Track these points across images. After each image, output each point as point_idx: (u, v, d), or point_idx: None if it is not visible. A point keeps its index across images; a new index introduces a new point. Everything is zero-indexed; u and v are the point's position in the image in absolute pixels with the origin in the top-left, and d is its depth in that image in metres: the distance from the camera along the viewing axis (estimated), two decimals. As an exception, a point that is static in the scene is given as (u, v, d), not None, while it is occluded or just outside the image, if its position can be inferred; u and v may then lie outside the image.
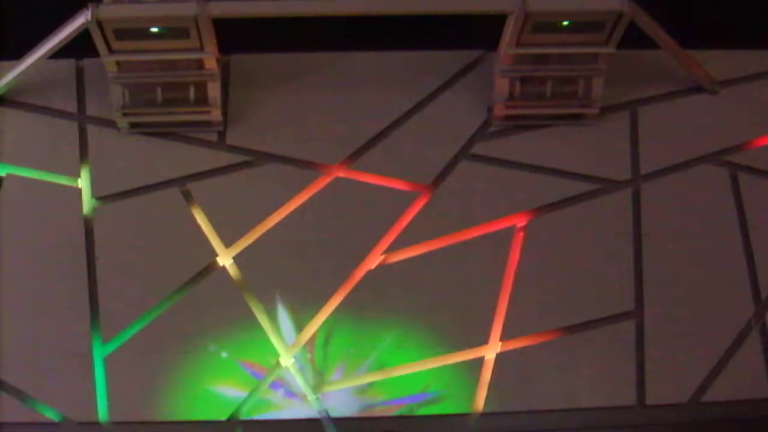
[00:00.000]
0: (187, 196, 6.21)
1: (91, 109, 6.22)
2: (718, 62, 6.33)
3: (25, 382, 6.05)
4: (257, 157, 6.25)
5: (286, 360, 6.11)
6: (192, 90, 6.01)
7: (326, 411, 6.07)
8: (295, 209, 6.24)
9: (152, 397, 6.09)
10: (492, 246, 6.26)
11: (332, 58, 6.40)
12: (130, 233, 6.18)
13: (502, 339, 6.17)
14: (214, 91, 6.01)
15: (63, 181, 6.16)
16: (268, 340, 6.11)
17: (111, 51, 5.83)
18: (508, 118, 6.30)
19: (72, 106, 6.22)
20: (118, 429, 6.05)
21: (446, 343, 6.17)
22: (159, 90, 6.00)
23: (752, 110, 6.39)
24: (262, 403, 6.07)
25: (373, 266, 6.22)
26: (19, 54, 6.05)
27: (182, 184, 6.21)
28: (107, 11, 5.63)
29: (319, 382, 6.09)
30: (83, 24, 5.62)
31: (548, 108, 6.26)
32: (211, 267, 6.17)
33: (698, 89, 6.35)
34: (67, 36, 5.75)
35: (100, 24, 5.63)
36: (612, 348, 6.19)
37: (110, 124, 6.15)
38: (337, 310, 6.14)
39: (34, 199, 6.18)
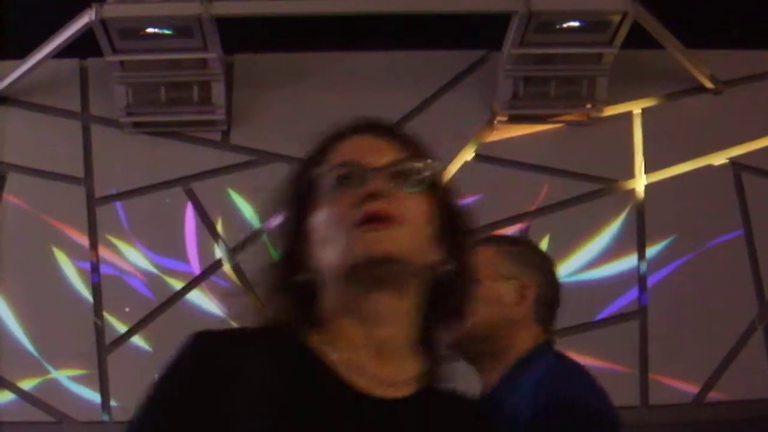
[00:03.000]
0: (190, 195, 6.21)
1: (95, 109, 6.21)
2: (722, 62, 6.32)
3: (25, 381, 6.06)
4: (261, 157, 6.25)
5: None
6: (196, 89, 5.99)
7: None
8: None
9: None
10: (495, 246, 6.25)
11: (335, 58, 6.38)
12: (133, 232, 6.18)
13: (505, 339, 6.16)
14: (217, 90, 6.00)
15: (67, 180, 6.16)
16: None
17: (114, 50, 5.82)
18: (511, 118, 6.29)
19: (75, 106, 6.20)
20: (118, 429, 6.04)
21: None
22: (163, 89, 5.98)
23: (757, 110, 6.38)
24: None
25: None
26: (21, 53, 6.03)
27: (185, 183, 6.21)
28: (111, 11, 5.62)
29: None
30: (87, 23, 5.62)
31: (552, 108, 6.25)
32: (214, 267, 6.18)
33: (702, 89, 6.34)
34: (72, 35, 5.74)
35: (104, 23, 5.63)
36: (615, 348, 6.18)
37: (114, 123, 6.14)
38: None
39: (37, 198, 6.18)
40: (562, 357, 2.36)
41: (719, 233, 6.30)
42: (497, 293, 2.22)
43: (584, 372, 2.30)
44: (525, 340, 2.25)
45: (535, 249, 2.44)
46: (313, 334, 1.67)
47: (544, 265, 2.33)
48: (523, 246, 2.43)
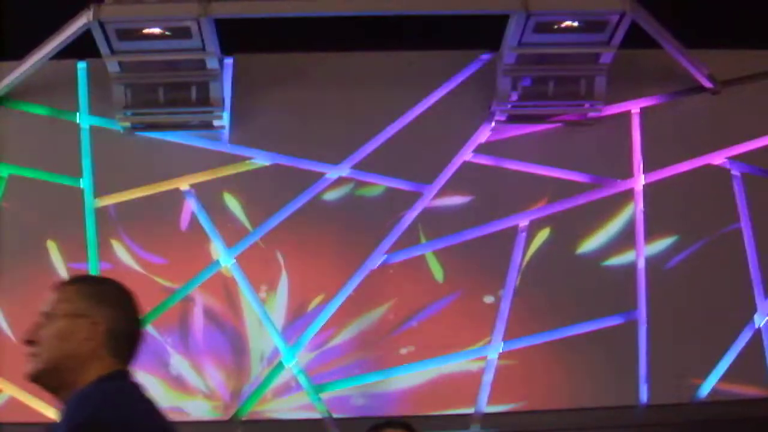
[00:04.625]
0: (189, 196, 6.20)
1: (93, 110, 6.20)
2: (721, 62, 6.32)
3: (25, 381, 6.03)
4: (259, 157, 6.24)
5: (290, 361, 6.10)
6: (194, 90, 5.99)
7: (329, 412, 6.06)
8: (298, 209, 6.23)
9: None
10: (494, 246, 6.25)
11: (334, 58, 6.38)
12: (130, 233, 6.17)
13: (504, 338, 6.17)
14: (216, 91, 5.99)
15: (65, 181, 6.16)
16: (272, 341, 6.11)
17: (113, 51, 5.82)
18: (510, 118, 6.29)
19: (74, 107, 6.21)
20: (119, 429, 6.03)
21: (449, 342, 6.17)
22: (161, 90, 5.98)
23: (756, 110, 6.39)
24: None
25: (376, 266, 6.21)
26: (19, 54, 6.03)
27: (184, 183, 6.20)
28: (109, 11, 5.62)
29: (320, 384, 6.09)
30: (85, 24, 5.61)
31: (550, 108, 6.25)
32: (211, 267, 6.16)
33: (701, 89, 6.34)
34: (69, 36, 5.73)
35: (101, 24, 5.62)
36: (615, 348, 6.19)
37: (112, 124, 6.14)
38: (340, 310, 6.14)
39: (37, 200, 6.18)
40: (120, 382, 2.53)
41: (718, 232, 6.30)
42: (70, 330, 2.47)
43: (129, 393, 2.48)
44: (95, 371, 2.45)
45: (116, 288, 2.66)
46: None
47: (121, 303, 2.58)
48: (104, 285, 2.66)
